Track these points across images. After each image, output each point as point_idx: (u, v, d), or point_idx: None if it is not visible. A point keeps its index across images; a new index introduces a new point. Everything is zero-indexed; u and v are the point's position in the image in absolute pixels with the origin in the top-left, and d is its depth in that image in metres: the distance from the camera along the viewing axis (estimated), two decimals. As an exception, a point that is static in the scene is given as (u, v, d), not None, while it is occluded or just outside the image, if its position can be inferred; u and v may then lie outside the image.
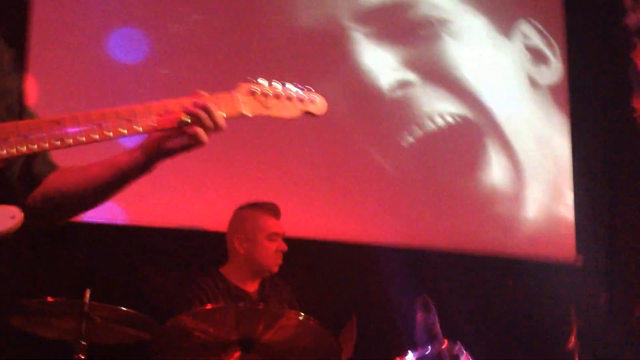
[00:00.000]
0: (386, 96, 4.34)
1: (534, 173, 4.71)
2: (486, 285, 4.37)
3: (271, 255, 3.15)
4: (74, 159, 1.67)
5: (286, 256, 3.23)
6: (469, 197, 4.53)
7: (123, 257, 3.75)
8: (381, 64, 4.34)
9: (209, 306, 2.50)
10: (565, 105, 4.84)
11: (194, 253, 3.82)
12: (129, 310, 2.59)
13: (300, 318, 2.51)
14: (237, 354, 2.55)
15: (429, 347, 2.70)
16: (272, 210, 3.26)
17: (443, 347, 2.69)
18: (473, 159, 4.56)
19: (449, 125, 4.51)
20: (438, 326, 2.72)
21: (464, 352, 2.76)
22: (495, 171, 4.63)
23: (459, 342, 2.77)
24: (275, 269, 3.17)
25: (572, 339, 3.57)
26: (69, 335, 2.66)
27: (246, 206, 3.35)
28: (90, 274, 3.37)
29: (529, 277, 4.39)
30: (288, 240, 3.25)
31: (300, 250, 3.77)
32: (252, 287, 3.13)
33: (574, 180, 4.72)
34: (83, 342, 2.58)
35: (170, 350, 2.56)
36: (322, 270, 4.09)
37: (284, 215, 3.33)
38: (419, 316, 2.76)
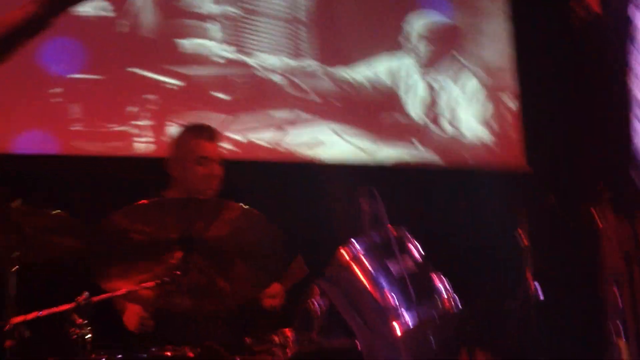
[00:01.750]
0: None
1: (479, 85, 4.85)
2: (438, 196, 4.50)
3: (200, 179, 3.16)
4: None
5: (233, 178, 3.26)
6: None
7: (58, 188, 3.74)
8: None
9: (143, 201, 2.48)
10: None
11: (136, 179, 3.84)
12: (61, 213, 2.58)
13: (244, 207, 2.50)
14: (179, 254, 2.58)
15: (374, 232, 2.78)
16: (205, 132, 3.28)
17: (389, 232, 2.76)
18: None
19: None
20: (384, 213, 2.79)
21: (410, 237, 2.84)
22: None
23: (403, 228, 2.85)
24: (208, 194, 3.17)
25: (524, 238, 3.73)
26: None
27: (181, 128, 3.39)
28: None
29: (480, 186, 4.53)
30: (238, 163, 3.28)
31: (249, 172, 3.84)
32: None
33: (521, 88, 4.87)
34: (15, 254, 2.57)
35: (106, 254, 2.52)
36: (272, 192, 4.15)
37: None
38: (364, 204, 2.82)
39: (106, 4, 4.04)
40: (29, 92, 3.87)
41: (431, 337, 2.56)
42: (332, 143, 4.47)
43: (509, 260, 3.84)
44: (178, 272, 2.53)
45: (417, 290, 2.62)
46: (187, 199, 2.72)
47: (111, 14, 4.06)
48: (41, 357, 2.58)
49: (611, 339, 3.57)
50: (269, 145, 4.33)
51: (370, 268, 2.70)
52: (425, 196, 4.45)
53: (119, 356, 2.63)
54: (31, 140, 3.83)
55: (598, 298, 3.88)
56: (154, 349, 2.68)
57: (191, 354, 2.65)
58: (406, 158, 4.63)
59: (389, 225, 2.76)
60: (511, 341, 3.77)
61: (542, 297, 3.58)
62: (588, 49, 4.65)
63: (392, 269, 2.70)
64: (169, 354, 2.66)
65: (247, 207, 2.52)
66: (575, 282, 4.42)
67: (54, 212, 2.59)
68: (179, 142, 3.32)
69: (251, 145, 4.27)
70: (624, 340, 3.50)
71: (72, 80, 3.96)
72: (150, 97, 4.12)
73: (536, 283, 3.69)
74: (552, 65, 4.95)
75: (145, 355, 2.68)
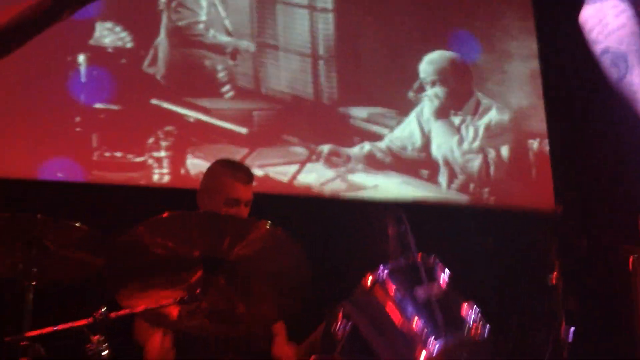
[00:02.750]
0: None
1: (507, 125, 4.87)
2: (466, 236, 4.48)
3: None
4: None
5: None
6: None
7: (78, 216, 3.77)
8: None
9: (166, 214, 2.48)
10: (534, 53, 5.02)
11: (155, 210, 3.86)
12: (83, 226, 2.59)
13: (270, 226, 2.50)
14: (199, 274, 2.57)
15: (402, 258, 2.77)
16: (241, 173, 3.23)
17: (417, 258, 2.75)
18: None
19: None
20: (411, 238, 2.78)
21: (439, 263, 2.82)
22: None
23: (433, 254, 2.84)
24: None
25: (555, 274, 3.69)
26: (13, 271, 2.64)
27: (218, 162, 3.37)
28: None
29: (509, 226, 4.50)
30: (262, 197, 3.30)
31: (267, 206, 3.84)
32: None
33: (548, 131, 4.87)
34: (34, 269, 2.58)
35: (125, 269, 2.52)
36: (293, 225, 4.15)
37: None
38: (391, 229, 2.82)
39: (125, 35, 4.13)
40: (55, 120, 3.94)
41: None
42: (354, 180, 4.48)
43: (540, 300, 3.79)
44: (198, 291, 2.52)
45: (444, 316, 2.60)
46: (213, 214, 2.70)
47: (130, 45, 4.15)
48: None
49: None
50: (286, 179, 4.35)
51: (395, 294, 2.68)
52: (449, 235, 4.43)
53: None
54: (56, 168, 3.88)
55: (632, 341, 3.82)
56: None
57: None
58: (430, 196, 4.62)
59: (418, 253, 2.75)
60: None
61: (571, 338, 3.53)
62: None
63: (419, 295, 2.68)
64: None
65: (273, 226, 2.50)
66: (608, 322, 4.35)
67: (77, 224, 2.60)
68: (214, 177, 3.27)
69: (268, 179, 4.29)
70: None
71: (96, 109, 4.04)
72: (170, 128, 4.17)
73: (567, 324, 3.65)
74: (580, 103, 4.97)
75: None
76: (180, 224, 2.51)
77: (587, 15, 1.93)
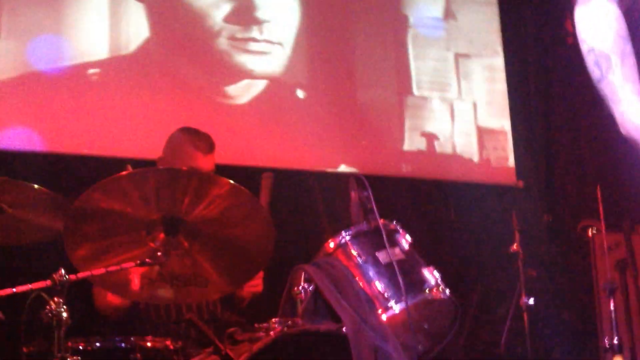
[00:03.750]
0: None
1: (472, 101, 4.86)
2: (429, 208, 4.49)
3: None
4: None
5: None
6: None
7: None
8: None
9: (124, 173, 2.37)
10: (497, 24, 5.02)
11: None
12: (42, 188, 2.52)
13: (233, 184, 2.40)
14: (161, 236, 2.51)
15: (364, 223, 2.75)
16: (201, 141, 3.19)
17: (379, 222, 2.74)
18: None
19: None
20: (373, 202, 2.76)
21: (401, 229, 2.82)
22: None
23: (395, 220, 2.83)
24: None
25: (515, 243, 3.73)
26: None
27: (179, 130, 3.32)
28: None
29: (472, 200, 4.52)
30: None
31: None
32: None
33: (510, 106, 4.89)
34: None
35: (83, 233, 2.42)
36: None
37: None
38: (353, 195, 2.80)
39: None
40: (16, 87, 3.85)
41: (421, 325, 2.52)
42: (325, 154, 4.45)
43: (501, 269, 3.82)
44: (159, 253, 2.47)
45: (405, 279, 2.59)
46: (172, 169, 2.62)
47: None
48: (17, 340, 2.49)
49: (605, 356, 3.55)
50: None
51: (357, 257, 2.67)
52: (416, 207, 4.44)
53: (97, 344, 2.56)
54: (15, 137, 3.79)
55: (591, 308, 3.87)
56: (133, 338, 2.61)
57: (171, 346, 2.58)
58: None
59: (379, 218, 2.74)
60: (501, 348, 3.74)
61: (532, 303, 3.57)
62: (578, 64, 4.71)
63: (380, 258, 2.67)
64: (148, 344, 2.59)
65: (236, 184, 2.41)
66: (567, 291, 4.40)
67: (34, 186, 2.53)
68: (174, 145, 3.24)
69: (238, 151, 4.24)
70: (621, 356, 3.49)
71: (57, 77, 3.94)
72: (143, 96, 4.10)
73: (527, 293, 3.69)
74: (542, 82, 5.00)
75: (123, 344, 2.60)
76: (138, 182, 2.41)
77: (579, 15, 2.00)
